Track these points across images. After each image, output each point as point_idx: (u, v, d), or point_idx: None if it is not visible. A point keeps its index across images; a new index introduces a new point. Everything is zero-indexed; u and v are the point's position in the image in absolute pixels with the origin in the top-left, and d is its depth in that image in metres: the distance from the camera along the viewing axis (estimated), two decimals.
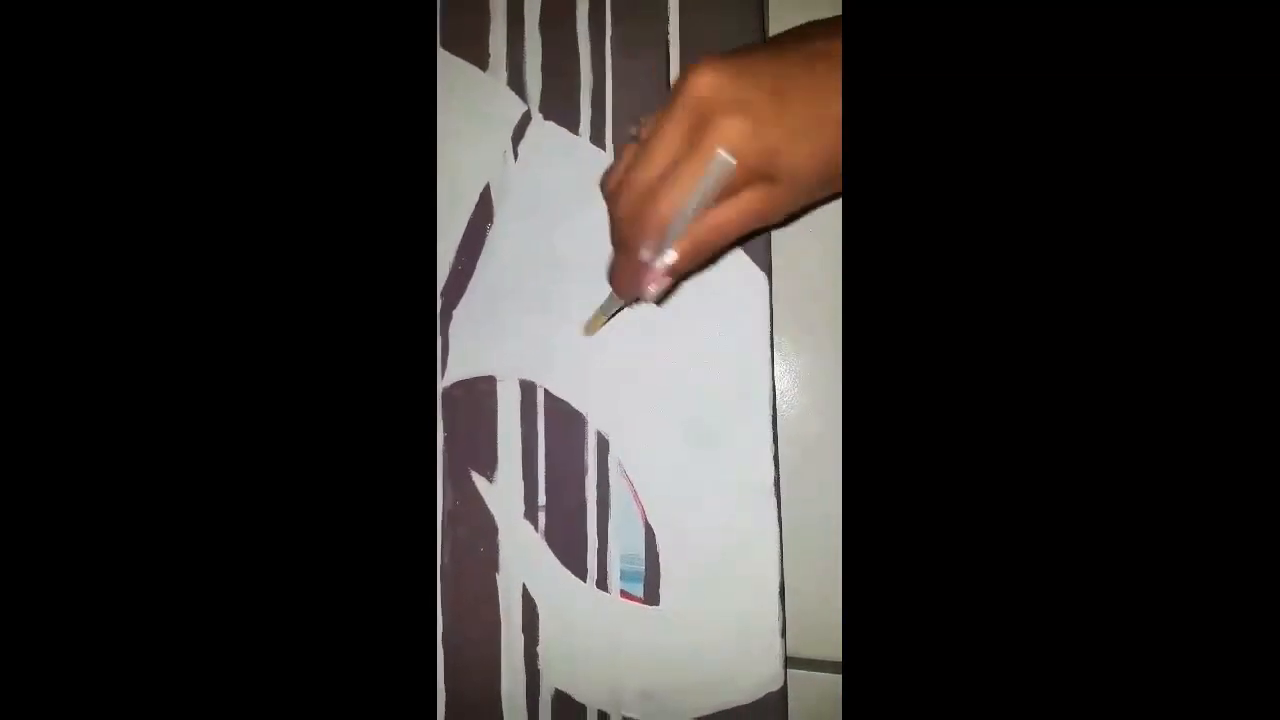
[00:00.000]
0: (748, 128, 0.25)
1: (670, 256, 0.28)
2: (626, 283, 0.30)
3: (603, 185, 0.30)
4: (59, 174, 0.22)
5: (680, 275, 0.29)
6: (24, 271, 0.22)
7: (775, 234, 0.37)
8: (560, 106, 0.38)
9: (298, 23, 0.23)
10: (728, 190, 0.26)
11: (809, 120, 0.26)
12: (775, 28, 0.37)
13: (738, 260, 0.37)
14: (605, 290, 0.33)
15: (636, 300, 0.32)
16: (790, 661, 0.37)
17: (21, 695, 0.21)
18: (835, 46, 0.26)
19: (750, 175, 0.26)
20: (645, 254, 0.28)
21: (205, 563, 0.22)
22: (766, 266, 0.36)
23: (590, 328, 0.37)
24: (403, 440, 0.23)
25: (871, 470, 0.22)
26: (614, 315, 0.36)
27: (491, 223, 0.38)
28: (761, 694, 0.36)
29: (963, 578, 0.21)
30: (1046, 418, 0.21)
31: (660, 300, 0.31)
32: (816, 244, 0.37)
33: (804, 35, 0.28)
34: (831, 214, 0.36)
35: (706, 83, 0.26)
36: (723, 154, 0.25)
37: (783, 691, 0.36)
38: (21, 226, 0.22)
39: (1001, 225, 0.21)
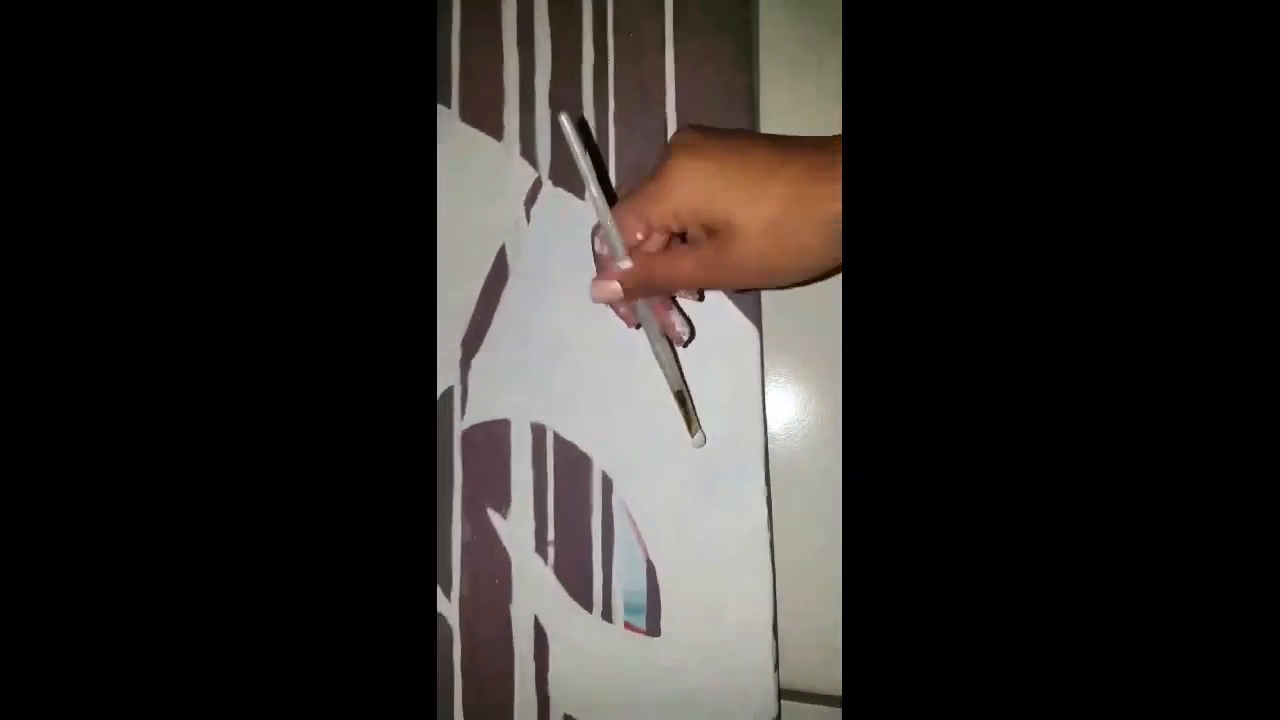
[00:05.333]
0: (703, 166, 0.28)
1: (625, 263, 0.32)
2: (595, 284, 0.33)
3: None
4: (59, 191, 0.22)
5: (630, 294, 0.33)
6: (22, 275, 0.22)
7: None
8: (568, 174, 0.41)
9: (305, 74, 0.24)
10: (691, 239, 0.31)
11: (767, 191, 0.28)
12: (765, 111, 0.40)
13: (729, 314, 0.39)
14: (605, 348, 0.36)
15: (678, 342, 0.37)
16: (785, 693, 0.39)
17: (20, 695, 0.22)
18: (815, 150, 0.28)
19: (706, 226, 0.29)
20: (596, 244, 0.33)
21: (211, 563, 0.23)
22: (757, 320, 0.39)
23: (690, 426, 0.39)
24: (406, 461, 0.24)
25: (870, 500, 0.22)
26: (681, 399, 0.38)
27: (506, 280, 0.41)
28: None
29: (962, 610, 0.21)
30: (1047, 446, 0.21)
31: (620, 302, 0.34)
32: (810, 292, 0.39)
33: (790, 138, 0.30)
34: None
35: (683, 137, 0.30)
36: (562, 117, 0.28)
37: None
38: (19, 230, 0.22)
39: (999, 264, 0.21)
